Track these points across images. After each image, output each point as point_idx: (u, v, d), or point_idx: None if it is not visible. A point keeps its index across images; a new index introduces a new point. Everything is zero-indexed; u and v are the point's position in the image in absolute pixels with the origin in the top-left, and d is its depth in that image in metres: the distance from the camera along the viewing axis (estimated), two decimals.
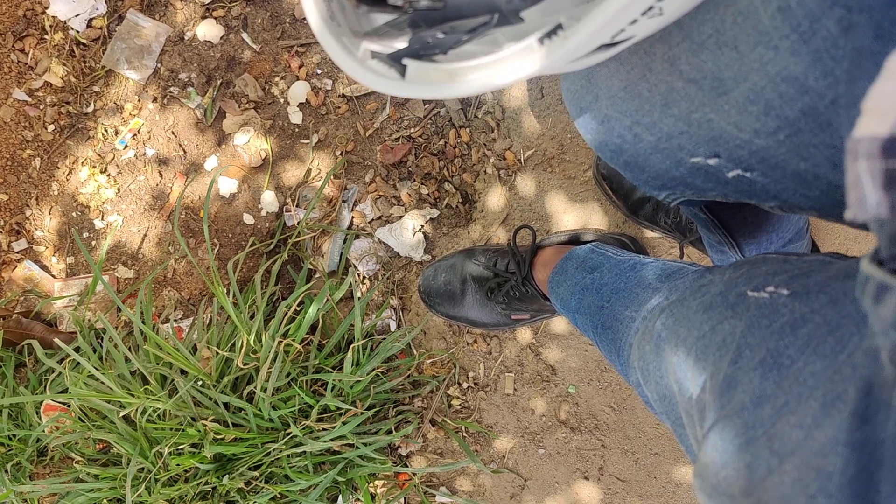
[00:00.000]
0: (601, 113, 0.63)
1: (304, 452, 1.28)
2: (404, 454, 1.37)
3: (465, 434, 1.35)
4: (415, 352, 1.38)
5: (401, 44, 0.50)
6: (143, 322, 1.31)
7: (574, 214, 1.32)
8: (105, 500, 1.34)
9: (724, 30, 0.48)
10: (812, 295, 0.50)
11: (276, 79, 1.50)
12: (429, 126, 1.44)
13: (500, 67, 0.44)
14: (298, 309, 1.35)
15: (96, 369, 1.27)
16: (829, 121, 0.45)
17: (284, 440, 1.26)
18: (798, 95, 0.45)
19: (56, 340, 1.29)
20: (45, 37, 1.54)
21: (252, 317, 1.33)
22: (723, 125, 0.52)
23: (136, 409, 1.26)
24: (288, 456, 1.27)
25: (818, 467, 0.39)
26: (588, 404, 1.31)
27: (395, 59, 0.47)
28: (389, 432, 1.33)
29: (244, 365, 1.25)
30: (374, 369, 1.29)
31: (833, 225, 1.29)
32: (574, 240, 1.27)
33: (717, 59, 0.49)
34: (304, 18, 1.51)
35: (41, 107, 1.53)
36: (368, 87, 0.51)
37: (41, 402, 1.42)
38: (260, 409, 1.26)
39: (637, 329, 0.77)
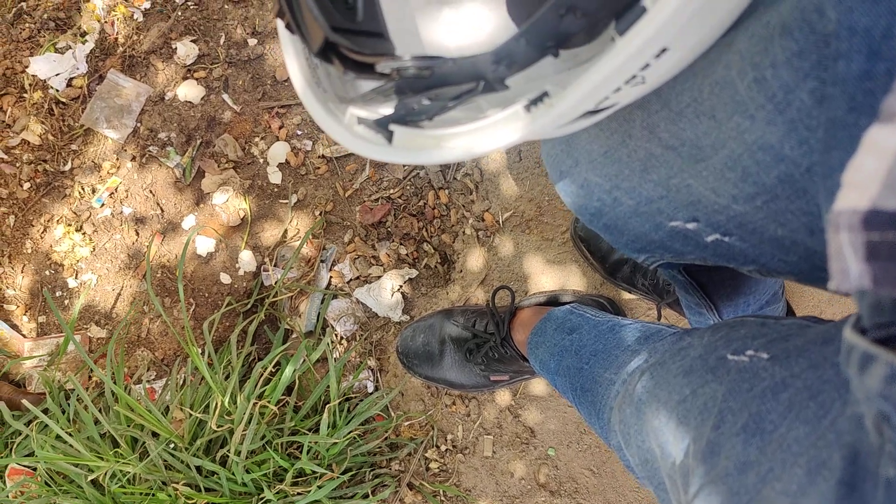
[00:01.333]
0: (581, 177, 0.63)
1: None
2: None
3: (443, 498, 1.33)
4: (392, 414, 1.36)
5: (386, 109, 0.51)
6: (114, 382, 1.28)
7: (552, 275, 1.33)
8: None
9: (702, 99, 0.49)
10: (792, 359, 0.50)
11: (256, 139, 1.51)
12: (408, 187, 1.45)
13: (486, 133, 0.44)
14: (274, 370, 1.33)
15: (65, 431, 1.24)
16: (805, 188, 0.46)
17: None
18: (774, 163, 0.46)
19: (24, 402, 1.26)
20: (25, 95, 1.55)
21: (227, 377, 1.31)
22: (701, 191, 0.53)
23: (105, 473, 1.22)
24: None
25: None
26: (568, 467, 1.30)
27: (382, 125, 0.48)
28: (366, 496, 1.30)
29: (218, 427, 1.23)
30: (350, 432, 1.27)
31: (808, 287, 1.31)
32: (552, 301, 1.28)
33: (694, 127, 0.50)
34: (286, 80, 1.53)
35: (17, 164, 1.53)
36: (349, 149, 0.52)
37: (6, 466, 1.38)
38: (233, 473, 1.23)
39: (617, 392, 0.77)
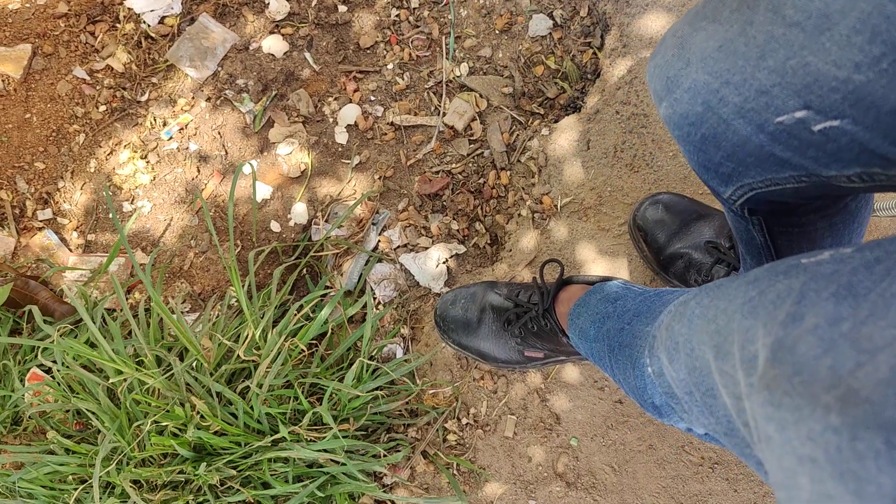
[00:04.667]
0: (689, 79, 0.63)
1: (288, 460, 1.22)
2: (388, 483, 1.30)
3: (455, 471, 1.29)
4: (418, 381, 1.34)
5: None
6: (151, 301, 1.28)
7: (603, 266, 1.31)
8: (71, 476, 1.27)
9: None
10: (885, 242, 0.48)
11: (330, 99, 1.53)
12: (470, 164, 1.46)
13: None
14: (306, 321, 1.32)
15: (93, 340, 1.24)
16: None
17: (270, 440, 1.20)
18: None
19: (64, 287, 1.27)
20: (117, 25, 1.60)
21: (262, 315, 1.30)
22: (820, 66, 0.52)
23: (124, 384, 1.21)
24: (270, 460, 1.21)
25: None
26: (588, 460, 1.25)
27: None
28: (377, 456, 1.26)
29: (246, 357, 1.22)
30: (374, 389, 1.25)
31: None
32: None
33: None
34: (369, 48, 1.56)
35: (98, 87, 1.57)
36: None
37: (28, 370, 1.38)
38: (251, 407, 1.21)
39: (661, 322, 0.75)
